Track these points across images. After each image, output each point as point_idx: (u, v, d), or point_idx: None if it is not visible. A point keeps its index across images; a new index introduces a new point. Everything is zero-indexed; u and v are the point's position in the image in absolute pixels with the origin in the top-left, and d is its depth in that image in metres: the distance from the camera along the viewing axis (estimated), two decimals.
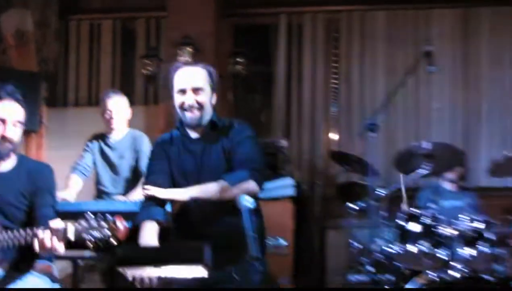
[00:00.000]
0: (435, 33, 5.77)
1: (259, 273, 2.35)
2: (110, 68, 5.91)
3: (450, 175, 4.75)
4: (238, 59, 5.61)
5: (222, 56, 5.68)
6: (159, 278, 1.50)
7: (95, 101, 5.74)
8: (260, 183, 2.49)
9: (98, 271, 4.43)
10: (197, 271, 1.51)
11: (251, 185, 2.43)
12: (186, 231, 2.54)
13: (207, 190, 2.44)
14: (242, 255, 2.25)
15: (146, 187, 2.53)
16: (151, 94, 5.90)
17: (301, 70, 5.94)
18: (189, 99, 2.50)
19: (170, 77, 2.61)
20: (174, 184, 2.57)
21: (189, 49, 5.27)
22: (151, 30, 6.00)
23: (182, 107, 2.52)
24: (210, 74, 2.60)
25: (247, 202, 2.06)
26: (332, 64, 6.02)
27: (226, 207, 2.34)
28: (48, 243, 2.19)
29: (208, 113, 2.57)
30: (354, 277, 4.54)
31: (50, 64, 5.60)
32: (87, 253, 3.63)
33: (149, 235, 2.39)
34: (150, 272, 1.51)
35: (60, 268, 3.63)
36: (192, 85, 2.51)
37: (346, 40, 5.93)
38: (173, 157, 2.61)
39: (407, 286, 3.72)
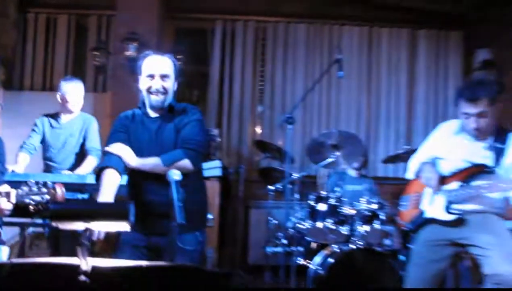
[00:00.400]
0: (345, 45, 6.26)
1: (200, 243, 2.68)
2: (64, 58, 5.99)
3: (354, 163, 4.91)
4: (178, 57, 5.45)
5: (164, 53, 5.89)
6: (87, 229, 1.43)
7: (49, 87, 5.90)
8: (194, 162, 2.58)
9: (45, 238, 4.53)
10: (122, 226, 1.49)
11: (185, 162, 2.54)
12: (133, 199, 2.57)
13: (146, 162, 2.56)
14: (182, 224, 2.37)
15: (111, 145, 2.63)
16: (100, 83, 6.01)
17: (233, 70, 6.28)
18: (156, 84, 2.60)
19: (139, 63, 2.69)
20: None
21: (134, 44, 5.37)
22: (102, 26, 6.10)
23: (149, 90, 2.61)
24: (174, 64, 2.70)
25: (175, 175, 2.16)
26: (259, 67, 6.41)
27: (165, 179, 2.38)
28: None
29: (170, 98, 2.67)
30: (271, 249, 4.84)
31: (8, 51, 5.65)
32: (35, 220, 3.55)
33: (108, 192, 2.48)
34: (79, 226, 1.45)
35: (9, 237, 3.86)
36: (160, 72, 2.62)
37: (272, 47, 6.36)
38: (132, 131, 2.67)
39: (315, 257, 4.02)
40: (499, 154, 2.89)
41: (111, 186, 2.52)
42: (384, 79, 6.50)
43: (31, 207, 2.32)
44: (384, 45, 6.52)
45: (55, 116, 4.25)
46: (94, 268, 1.31)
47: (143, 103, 2.71)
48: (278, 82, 6.36)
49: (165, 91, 2.63)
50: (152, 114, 2.70)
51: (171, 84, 2.68)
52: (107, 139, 2.71)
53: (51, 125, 4.22)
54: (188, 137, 2.62)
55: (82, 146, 4.19)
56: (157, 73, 2.62)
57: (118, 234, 2.69)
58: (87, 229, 1.47)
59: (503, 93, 2.95)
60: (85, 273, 1.29)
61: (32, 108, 5.31)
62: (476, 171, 2.90)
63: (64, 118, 4.23)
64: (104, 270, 1.33)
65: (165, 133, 2.66)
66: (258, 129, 6.44)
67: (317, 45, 6.44)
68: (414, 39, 6.61)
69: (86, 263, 1.31)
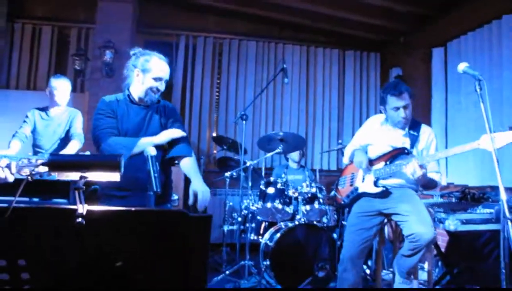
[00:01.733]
0: (287, 61, 6.36)
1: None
2: (47, 63, 5.82)
3: (295, 156, 5.13)
4: None
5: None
6: (82, 177, 1.35)
7: (33, 86, 5.75)
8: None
9: None
10: (113, 177, 1.42)
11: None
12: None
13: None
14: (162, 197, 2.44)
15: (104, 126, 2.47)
16: (78, 85, 5.88)
17: (193, 80, 6.23)
18: (161, 86, 2.54)
19: (144, 60, 2.54)
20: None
21: (110, 51, 5.32)
22: (81, 36, 5.96)
23: (152, 89, 2.52)
24: None
25: (151, 151, 2.08)
26: (215, 77, 6.41)
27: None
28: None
29: None
30: (228, 228, 4.91)
31: None
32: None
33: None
34: (74, 176, 1.37)
35: None
36: (166, 77, 2.55)
37: (227, 60, 6.37)
38: (120, 114, 2.53)
39: (265, 233, 4.07)
40: (413, 140, 3.08)
41: None
42: (319, 90, 6.68)
43: (29, 178, 2.25)
44: (319, 61, 6.71)
45: (44, 109, 4.19)
46: (89, 212, 1.24)
47: (129, 92, 2.59)
48: (232, 90, 6.39)
49: (160, 91, 2.58)
50: (139, 102, 2.59)
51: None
52: (94, 121, 2.52)
53: (41, 117, 4.15)
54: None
55: (67, 133, 4.15)
56: (164, 78, 2.55)
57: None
58: (82, 177, 1.38)
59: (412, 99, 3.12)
60: (81, 215, 1.22)
61: (17, 105, 5.22)
62: (397, 153, 3.07)
63: (53, 111, 4.17)
64: (98, 213, 1.27)
65: (152, 123, 2.58)
66: (214, 130, 6.40)
67: (264, 60, 6.53)
68: (342, 58, 6.84)
69: (83, 206, 1.24)
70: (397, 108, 3.02)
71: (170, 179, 2.72)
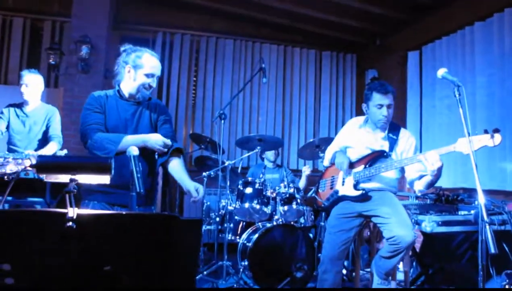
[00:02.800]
0: (264, 60, 5.89)
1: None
2: (19, 56, 5.64)
3: (272, 156, 5.11)
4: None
5: (110, 56, 5.55)
6: (72, 180, 1.31)
7: (4, 81, 5.57)
8: None
9: None
10: (103, 179, 1.40)
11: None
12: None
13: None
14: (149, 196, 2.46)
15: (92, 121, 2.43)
16: (52, 80, 5.74)
17: (170, 77, 6.18)
18: (153, 83, 2.50)
19: (135, 56, 2.49)
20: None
21: (86, 46, 5.21)
22: (55, 30, 5.81)
23: (144, 86, 2.49)
24: None
25: (134, 151, 2.07)
26: (192, 74, 6.37)
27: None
28: None
29: None
30: (206, 227, 4.81)
31: None
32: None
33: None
34: (64, 179, 1.34)
35: None
36: (158, 73, 2.53)
37: (204, 58, 6.35)
38: (108, 110, 2.49)
39: (243, 233, 4.05)
40: (392, 143, 3.13)
41: None
42: (296, 90, 6.72)
43: (6, 178, 2.10)
44: (296, 62, 6.76)
45: (20, 105, 4.07)
46: (79, 216, 1.21)
47: (119, 88, 2.54)
48: (209, 89, 6.37)
49: (151, 88, 2.54)
50: (129, 99, 2.54)
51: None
52: (82, 117, 2.45)
53: (16, 114, 4.04)
54: (172, 134, 2.59)
55: (45, 133, 4.06)
56: (156, 74, 2.52)
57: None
58: (72, 180, 1.34)
59: None
60: (72, 219, 1.20)
61: None
62: (376, 156, 3.11)
63: (28, 107, 4.07)
64: (89, 217, 1.24)
65: (142, 119, 2.53)
66: (190, 129, 6.37)
67: (241, 58, 6.53)
68: (319, 59, 6.91)
69: (73, 210, 1.21)
70: (381, 106, 3.06)
71: (157, 180, 2.67)
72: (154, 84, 2.53)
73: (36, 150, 3.95)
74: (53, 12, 5.86)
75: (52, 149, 3.95)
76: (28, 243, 1.23)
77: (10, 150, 3.99)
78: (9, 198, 3.61)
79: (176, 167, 2.55)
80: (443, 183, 4.91)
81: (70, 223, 1.19)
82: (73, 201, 1.25)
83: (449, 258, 3.76)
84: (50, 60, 5.42)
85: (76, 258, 1.24)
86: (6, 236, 1.22)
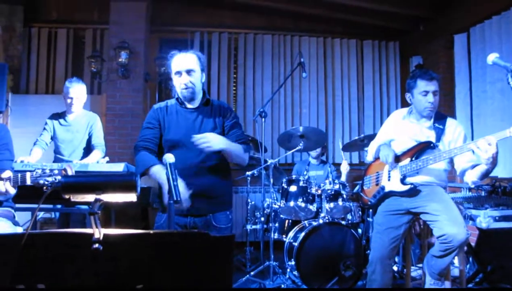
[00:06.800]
0: (304, 53, 6.16)
1: (230, 220, 2.54)
2: (64, 65, 5.82)
3: (315, 153, 4.96)
4: (162, 62, 5.54)
5: (150, 60, 5.80)
6: (97, 200, 1.29)
7: (52, 90, 5.75)
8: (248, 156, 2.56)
9: (55, 223, 4.50)
10: (130, 197, 1.35)
11: (247, 155, 2.53)
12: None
13: (232, 146, 2.42)
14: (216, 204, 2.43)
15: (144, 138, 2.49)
16: (95, 87, 5.87)
17: (209, 76, 6.14)
18: (184, 79, 2.45)
19: (168, 63, 2.54)
20: (160, 147, 2.52)
21: (125, 52, 5.29)
22: (96, 37, 5.95)
23: (180, 86, 2.48)
24: (199, 58, 2.52)
25: (169, 158, 2.02)
26: (232, 72, 6.33)
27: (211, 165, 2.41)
28: (2, 188, 2.22)
29: (199, 90, 2.53)
30: (252, 227, 4.80)
31: (14, 60, 5.53)
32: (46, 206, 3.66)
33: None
34: (89, 198, 1.31)
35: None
36: (185, 67, 2.46)
37: (243, 55, 6.30)
38: (168, 121, 2.51)
39: (289, 232, 3.99)
40: (439, 133, 2.95)
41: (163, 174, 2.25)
42: (338, 81, 6.55)
43: (44, 188, 2.20)
44: (336, 53, 6.57)
45: (62, 115, 4.18)
46: (106, 236, 1.19)
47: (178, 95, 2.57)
48: (249, 86, 6.31)
49: (192, 85, 2.47)
50: (188, 105, 2.53)
51: (197, 76, 2.50)
52: (141, 133, 2.53)
53: (60, 124, 4.15)
54: (242, 137, 2.53)
55: (88, 141, 4.15)
56: (183, 69, 2.46)
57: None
58: (97, 200, 1.33)
59: None
60: (98, 241, 1.18)
61: (37, 109, 5.28)
62: (422, 147, 2.95)
63: (70, 116, 4.17)
64: (115, 237, 1.22)
65: (205, 125, 2.48)
66: None
67: (280, 53, 6.42)
68: (360, 48, 6.68)
69: (99, 231, 1.19)
70: (426, 93, 2.93)
71: (230, 181, 2.63)
72: (187, 80, 2.46)
73: (81, 158, 4.03)
74: (93, 20, 5.99)
75: (96, 157, 4.01)
76: (60, 264, 1.22)
77: (56, 159, 4.11)
78: (59, 206, 3.74)
79: None
80: (498, 172, 4.62)
81: (97, 245, 1.18)
82: (97, 222, 1.23)
83: (510, 255, 3.51)
84: (92, 68, 5.51)
85: (106, 278, 1.22)
86: (41, 257, 1.22)
